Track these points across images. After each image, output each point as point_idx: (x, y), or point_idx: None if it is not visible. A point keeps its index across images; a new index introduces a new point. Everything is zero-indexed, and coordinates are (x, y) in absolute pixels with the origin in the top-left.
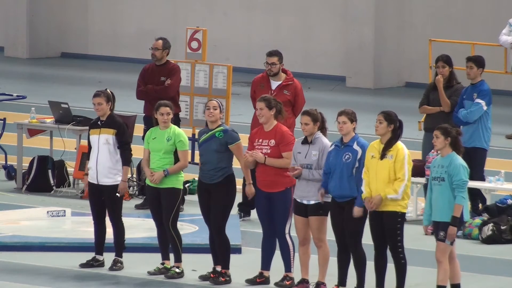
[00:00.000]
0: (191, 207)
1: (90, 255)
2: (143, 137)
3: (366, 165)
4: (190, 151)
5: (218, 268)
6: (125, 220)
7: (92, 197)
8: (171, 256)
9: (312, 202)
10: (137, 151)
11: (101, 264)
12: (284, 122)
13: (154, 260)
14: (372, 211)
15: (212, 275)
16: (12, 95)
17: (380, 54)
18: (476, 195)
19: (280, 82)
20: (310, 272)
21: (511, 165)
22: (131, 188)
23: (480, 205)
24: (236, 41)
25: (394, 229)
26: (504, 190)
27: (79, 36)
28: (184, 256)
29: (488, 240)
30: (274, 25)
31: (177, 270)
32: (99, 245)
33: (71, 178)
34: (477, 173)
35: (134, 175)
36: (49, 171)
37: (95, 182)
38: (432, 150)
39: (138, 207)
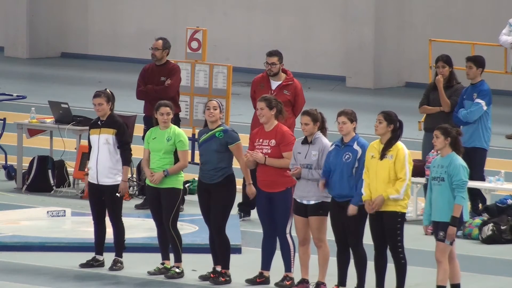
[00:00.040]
0: (191, 207)
1: (90, 255)
2: (143, 137)
3: (366, 166)
4: (190, 151)
5: (218, 268)
6: (125, 220)
7: (92, 197)
8: (171, 256)
9: (312, 202)
10: (137, 151)
11: (101, 264)
12: (284, 122)
13: (154, 260)
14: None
15: (212, 275)
16: (12, 95)
17: (380, 54)
18: (476, 195)
19: (280, 82)
20: (310, 272)
21: (511, 165)
22: (131, 188)
23: (480, 205)
24: (236, 41)
25: (394, 229)
26: (504, 190)
27: (79, 36)
28: (184, 256)
29: (488, 240)
30: (274, 25)
31: (177, 270)
32: (99, 245)
33: (71, 178)
34: (477, 173)
35: (134, 175)
36: (49, 171)
37: (95, 182)
38: (432, 150)
39: (138, 207)
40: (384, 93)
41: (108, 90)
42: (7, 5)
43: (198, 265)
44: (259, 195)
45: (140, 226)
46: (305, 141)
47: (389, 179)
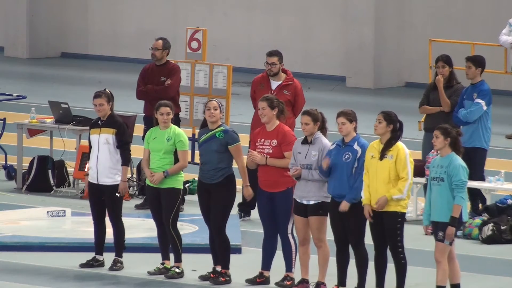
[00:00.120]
0: (191, 207)
1: (90, 255)
2: (143, 137)
3: (366, 166)
4: (190, 151)
5: (218, 268)
6: (125, 220)
7: (92, 197)
8: (171, 256)
9: (312, 202)
10: (137, 151)
11: (101, 264)
12: (284, 122)
13: (154, 260)
14: (372, 211)
15: (212, 275)
16: (12, 95)
17: (380, 54)
18: (476, 195)
19: (280, 82)
20: (310, 272)
21: (511, 165)
22: (131, 188)
23: (480, 205)
24: (236, 41)
25: (394, 229)
26: (504, 190)
27: (79, 36)
28: (184, 256)
29: (488, 240)
30: (274, 25)
31: (177, 270)
32: (99, 245)
33: (71, 178)
34: (477, 173)
35: (134, 175)
36: (49, 171)
37: (95, 182)
38: (432, 150)
39: (138, 207)
40: (384, 93)
41: (107, 90)
42: (7, 5)
43: (198, 265)
44: (261, 195)
45: (140, 226)
46: (305, 141)
47: (389, 179)
